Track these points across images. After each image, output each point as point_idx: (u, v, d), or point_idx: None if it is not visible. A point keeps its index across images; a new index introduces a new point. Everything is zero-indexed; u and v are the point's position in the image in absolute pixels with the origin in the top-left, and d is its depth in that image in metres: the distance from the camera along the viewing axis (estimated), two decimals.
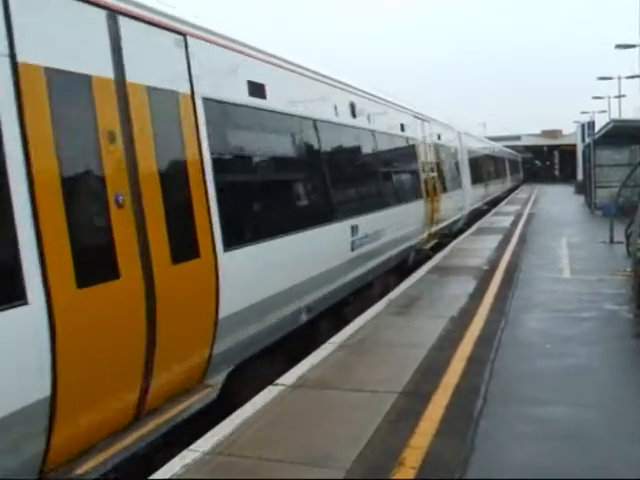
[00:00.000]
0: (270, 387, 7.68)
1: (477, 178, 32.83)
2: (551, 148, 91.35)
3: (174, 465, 5.74)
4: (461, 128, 29.34)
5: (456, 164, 26.29)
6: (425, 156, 19.27)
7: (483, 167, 37.81)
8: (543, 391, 7.56)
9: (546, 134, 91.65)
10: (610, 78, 56.70)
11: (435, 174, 20.29)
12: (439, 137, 22.34)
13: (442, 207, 20.72)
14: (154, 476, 5.63)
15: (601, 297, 12.26)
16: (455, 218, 24.49)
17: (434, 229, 19.77)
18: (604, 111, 62.88)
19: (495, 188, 43.92)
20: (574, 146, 65.12)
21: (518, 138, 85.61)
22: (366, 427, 6.44)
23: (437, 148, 21.47)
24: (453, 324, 10.53)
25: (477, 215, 31.47)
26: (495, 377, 7.96)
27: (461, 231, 25.10)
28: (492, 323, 10.51)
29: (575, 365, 8.42)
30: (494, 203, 41.33)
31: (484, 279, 14.59)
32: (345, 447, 6.02)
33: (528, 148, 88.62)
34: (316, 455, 5.90)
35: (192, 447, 6.08)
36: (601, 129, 32.44)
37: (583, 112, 59.86)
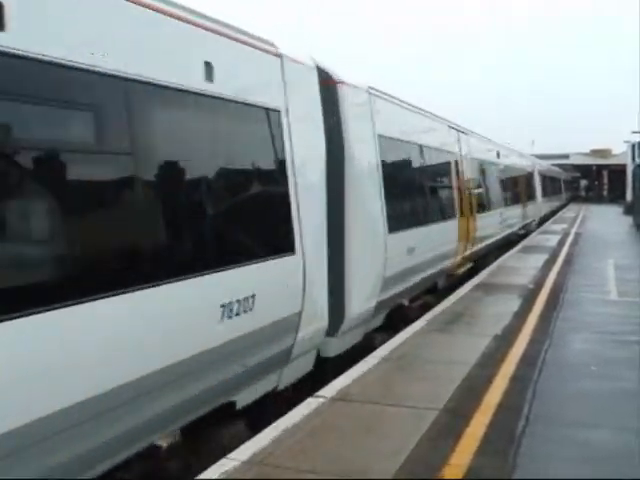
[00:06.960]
0: (310, 399, 7.67)
1: (544, 193, 42.96)
2: (600, 167, 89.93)
3: (212, 473, 5.77)
4: (534, 159, 42.62)
5: (532, 184, 36.85)
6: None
7: (548, 185, 48.22)
8: (586, 413, 7.45)
9: (595, 153, 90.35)
10: None
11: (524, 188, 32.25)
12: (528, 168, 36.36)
13: (531, 208, 33.96)
14: None
15: None
16: (537, 215, 38.10)
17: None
18: None
19: (554, 203, 54.35)
20: (624, 166, 64.11)
21: (566, 157, 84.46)
22: (406, 443, 6.40)
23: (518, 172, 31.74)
24: (496, 342, 10.43)
25: (544, 219, 41.55)
26: (538, 397, 7.86)
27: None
28: (536, 343, 10.37)
29: (620, 388, 8.27)
30: (554, 212, 51.21)
31: (529, 298, 14.42)
32: (384, 462, 5.99)
33: (576, 167, 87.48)
34: (354, 469, 5.88)
35: (230, 456, 6.11)
36: None
37: (634, 132, 58.59)
